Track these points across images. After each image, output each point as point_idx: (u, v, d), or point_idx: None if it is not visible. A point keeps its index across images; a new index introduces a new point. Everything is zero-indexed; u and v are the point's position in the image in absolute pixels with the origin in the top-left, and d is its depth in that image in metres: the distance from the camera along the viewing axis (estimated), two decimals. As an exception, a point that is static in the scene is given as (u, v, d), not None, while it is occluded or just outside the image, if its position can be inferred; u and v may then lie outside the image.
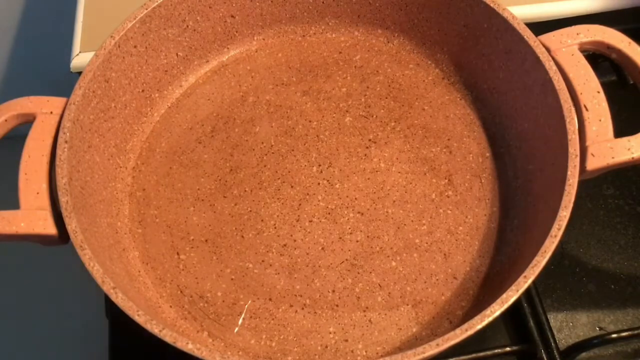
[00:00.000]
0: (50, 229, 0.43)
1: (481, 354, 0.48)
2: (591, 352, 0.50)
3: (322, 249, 0.49)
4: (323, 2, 0.57)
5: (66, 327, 1.03)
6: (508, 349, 0.49)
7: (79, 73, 0.48)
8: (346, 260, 0.49)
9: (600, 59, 0.50)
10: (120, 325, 0.51)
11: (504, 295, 0.39)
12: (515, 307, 0.50)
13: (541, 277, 0.45)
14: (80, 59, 0.59)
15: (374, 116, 0.55)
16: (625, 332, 0.49)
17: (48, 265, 1.02)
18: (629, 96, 0.52)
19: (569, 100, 0.46)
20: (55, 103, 0.47)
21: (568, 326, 0.51)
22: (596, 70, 0.47)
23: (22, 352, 1.06)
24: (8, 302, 1.07)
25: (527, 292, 0.50)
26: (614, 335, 0.49)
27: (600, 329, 0.51)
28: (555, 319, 0.51)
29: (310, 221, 0.50)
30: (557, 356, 0.48)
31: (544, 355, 0.49)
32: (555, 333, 0.49)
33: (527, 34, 0.49)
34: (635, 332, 0.49)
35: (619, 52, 0.49)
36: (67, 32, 0.60)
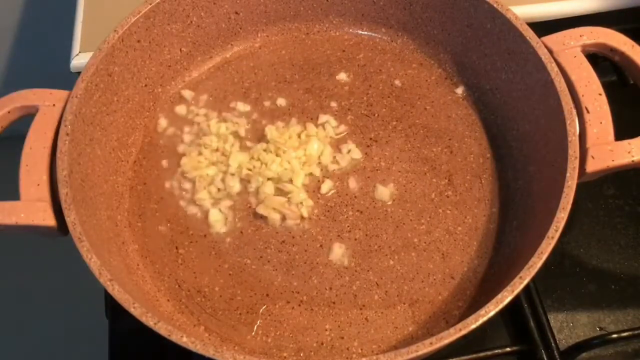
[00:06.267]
0: (50, 221, 0.43)
1: (481, 354, 0.48)
2: (591, 352, 0.50)
3: (321, 246, 0.49)
4: (327, 0, 0.57)
5: (66, 328, 1.03)
6: (508, 349, 0.49)
7: (79, 73, 0.48)
8: (344, 257, 0.49)
9: (601, 59, 0.50)
10: (120, 326, 0.51)
11: (499, 296, 0.39)
12: (516, 307, 0.50)
13: (541, 277, 0.45)
14: (80, 59, 0.59)
15: (376, 115, 0.55)
16: (625, 332, 0.49)
17: (48, 266, 1.03)
18: (629, 96, 0.52)
19: (570, 102, 0.46)
20: (57, 96, 0.47)
21: (568, 326, 0.51)
22: (596, 70, 0.47)
23: (22, 352, 1.07)
24: (8, 303, 1.08)
25: (528, 292, 0.50)
26: (614, 336, 0.49)
27: (601, 329, 0.51)
28: (556, 319, 0.51)
29: (309, 218, 0.50)
30: (557, 356, 0.48)
31: (544, 355, 0.48)
32: (555, 333, 0.49)
33: (530, 35, 0.49)
34: (636, 332, 0.49)
35: (622, 54, 0.48)
36: (67, 32, 0.60)
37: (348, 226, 0.50)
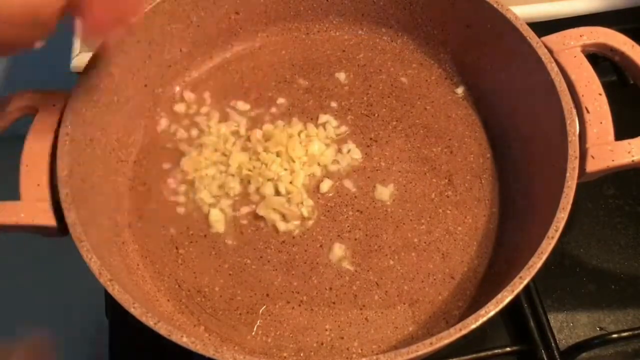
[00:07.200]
0: (50, 221, 0.43)
1: (482, 354, 0.49)
2: (591, 352, 0.50)
3: (321, 246, 0.49)
4: (327, 0, 0.57)
5: (66, 327, 1.03)
6: (508, 349, 0.49)
7: (79, 73, 0.48)
8: (344, 258, 0.49)
9: (601, 59, 0.50)
10: (120, 326, 0.51)
11: (499, 296, 0.39)
12: (516, 307, 0.50)
13: (541, 277, 0.45)
14: (80, 58, 0.59)
15: (376, 115, 0.55)
16: (625, 332, 0.49)
17: (48, 266, 1.03)
18: (629, 96, 0.52)
19: (570, 102, 0.46)
20: (57, 96, 0.47)
21: (568, 326, 0.51)
22: (596, 70, 0.47)
23: (22, 352, 1.07)
24: (8, 303, 1.07)
25: (528, 292, 0.50)
26: (614, 336, 0.49)
27: (601, 329, 0.51)
28: (556, 319, 0.51)
29: (309, 218, 0.50)
30: (557, 356, 0.48)
31: (544, 355, 0.49)
32: (555, 333, 0.49)
33: (530, 35, 0.49)
34: (636, 332, 0.49)
35: (622, 54, 0.48)
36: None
37: (348, 226, 0.50)
